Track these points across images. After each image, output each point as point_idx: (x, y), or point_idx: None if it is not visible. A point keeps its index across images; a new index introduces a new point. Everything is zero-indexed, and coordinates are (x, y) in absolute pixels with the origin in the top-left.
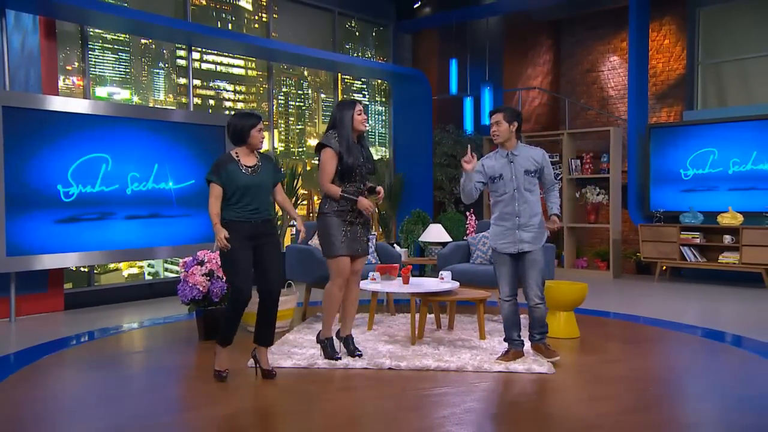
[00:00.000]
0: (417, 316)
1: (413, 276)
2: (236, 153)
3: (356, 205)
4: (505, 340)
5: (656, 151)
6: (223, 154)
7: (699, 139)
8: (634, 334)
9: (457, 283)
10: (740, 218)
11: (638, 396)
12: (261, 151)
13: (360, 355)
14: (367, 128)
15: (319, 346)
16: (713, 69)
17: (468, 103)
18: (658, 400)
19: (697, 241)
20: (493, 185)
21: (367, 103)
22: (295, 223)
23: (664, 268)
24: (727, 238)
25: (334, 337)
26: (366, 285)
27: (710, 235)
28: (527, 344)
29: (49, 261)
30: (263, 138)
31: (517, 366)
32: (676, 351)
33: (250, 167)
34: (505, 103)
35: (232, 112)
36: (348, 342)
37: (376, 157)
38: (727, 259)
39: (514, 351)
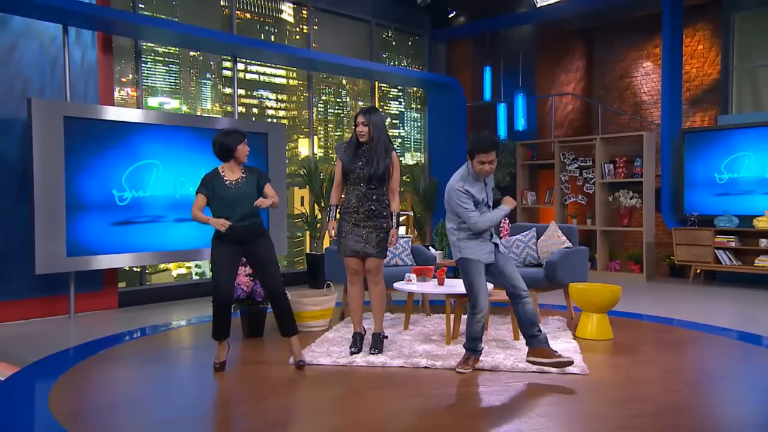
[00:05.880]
0: (452, 316)
1: (448, 278)
2: (222, 169)
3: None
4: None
5: (690, 155)
6: (210, 171)
7: (734, 143)
8: (668, 336)
9: (491, 285)
10: None
11: (672, 398)
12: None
13: (374, 353)
14: (365, 138)
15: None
16: (748, 73)
17: (501, 109)
18: (692, 403)
19: (732, 244)
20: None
21: (403, 110)
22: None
23: (698, 271)
24: (764, 242)
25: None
26: (402, 286)
27: (746, 238)
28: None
29: (105, 261)
30: (248, 151)
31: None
32: (711, 354)
33: (233, 181)
34: (538, 109)
35: (275, 120)
36: (374, 338)
37: (411, 162)
38: (763, 262)
39: (474, 358)
